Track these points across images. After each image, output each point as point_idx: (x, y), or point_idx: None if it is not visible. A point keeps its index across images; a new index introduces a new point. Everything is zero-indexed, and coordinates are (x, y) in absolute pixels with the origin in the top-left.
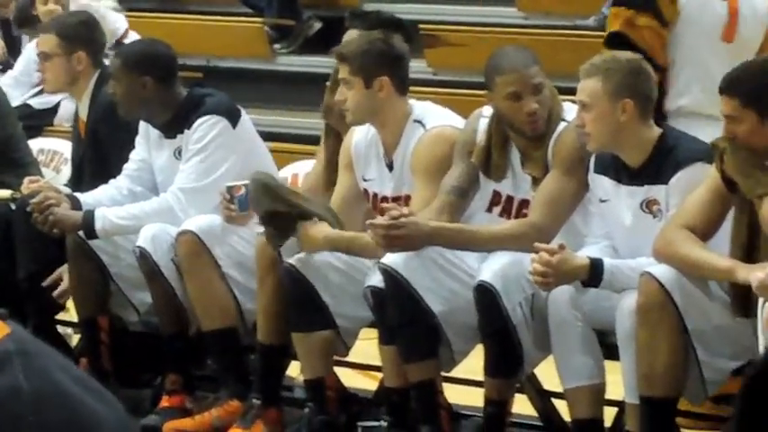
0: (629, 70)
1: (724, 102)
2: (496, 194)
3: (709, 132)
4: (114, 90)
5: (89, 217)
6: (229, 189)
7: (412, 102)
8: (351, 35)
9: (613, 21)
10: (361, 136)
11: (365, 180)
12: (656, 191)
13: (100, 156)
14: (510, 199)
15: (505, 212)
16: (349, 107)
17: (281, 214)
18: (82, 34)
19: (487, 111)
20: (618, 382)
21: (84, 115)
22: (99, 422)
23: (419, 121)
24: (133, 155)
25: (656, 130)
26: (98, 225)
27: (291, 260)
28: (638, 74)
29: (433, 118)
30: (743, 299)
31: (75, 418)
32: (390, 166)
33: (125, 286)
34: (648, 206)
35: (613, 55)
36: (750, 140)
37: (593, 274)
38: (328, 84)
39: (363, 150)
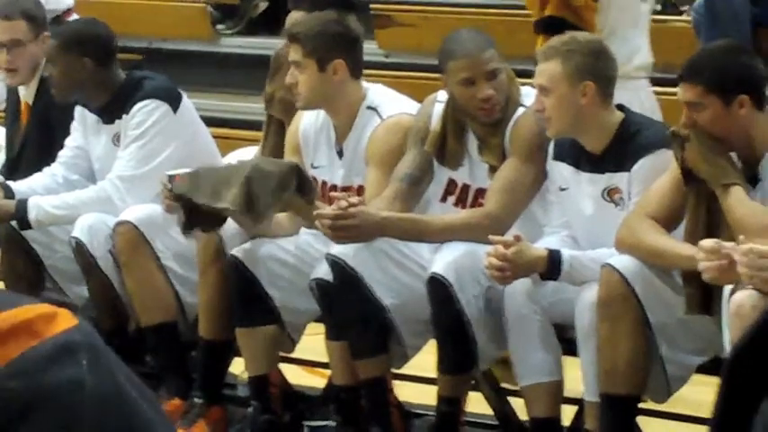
0: (589, 51)
1: (685, 88)
2: (452, 183)
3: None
4: (50, 72)
5: (22, 206)
6: (171, 178)
7: (366, 86)
8: (294, 17)
9: (542, 5)
10: (310, 121)
11: (314, 167)
12: (617, 178)
13: (46, 141)
14: (466, 188)
15: (461, 202)
16: (301, 91)
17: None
18: (42, 15)
19: (442, 96)
20: (577, 379)
21: (29, 99)
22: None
23: (373, 108)
24: (69, 141)
25: (618, 115)
26: (32, 215)
27: (236, 251)
28: (598, 55)
29: (388, 106)
30: (702, 296)
31: (132, 424)
32: (341, 154)
33: (61, 279)
34: (610, 194)
35: (572, 36)
36: (712, 128)
37: (552, 267)
38: (270, 71)
39: (312, 136)
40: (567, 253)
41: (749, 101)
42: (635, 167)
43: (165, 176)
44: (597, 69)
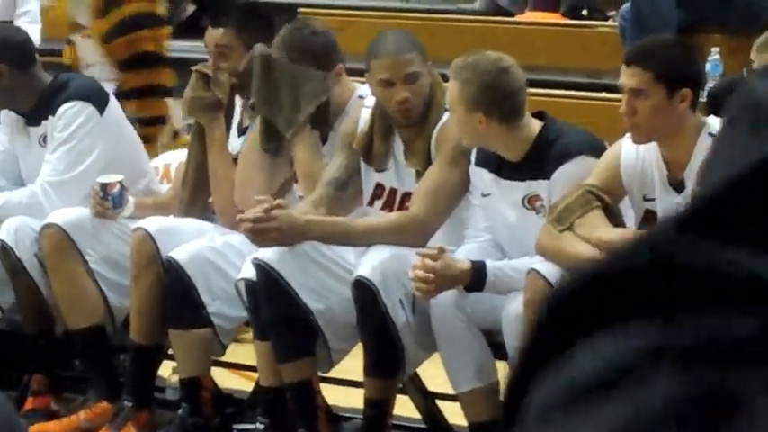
0: (481, 84)
1: (632, 73)
2: (379, 187)
3: None
4: None
5: None
6: (103, 186)
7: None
8: (214, 34)
9: None
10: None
11: None
12: (537, 186)
13: None
14: (393, 192)
15: (388, 206)
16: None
17: None
18: None
19: (370, 101)
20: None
21: None
22: None
23: (363, 97)
24: None
25: (536, 124)
26: None
27: (174, 254)
28: (490, 87)
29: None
30: None
31: None
32: (325, 140)
33: None
34: (530, 202)
35: (475, 61)
36: (652, 118)
37: (476, 279)
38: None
39: None
40: (490, 264)
41: (690, 96)
42: (555, 174)
43: (97, 184)
44: (488, 101)
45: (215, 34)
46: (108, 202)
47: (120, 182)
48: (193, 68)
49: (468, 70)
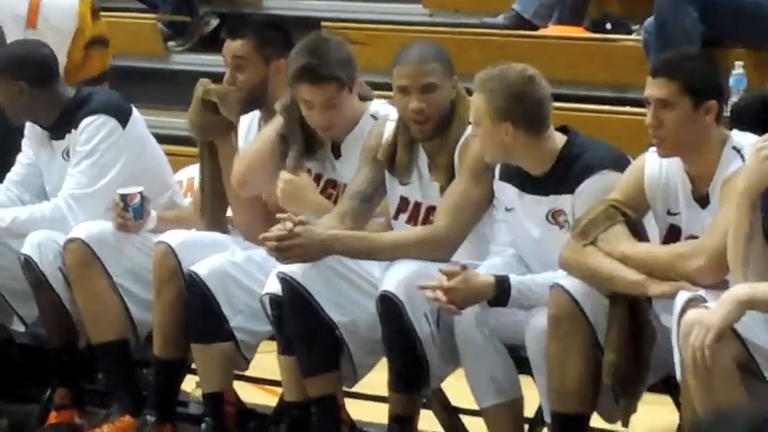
0: (509, 94)
1: (659, 84)
2: (404, 200)
3: None
4: None
5: None
6: (123, 197)
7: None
8: (233, 44)
9: None
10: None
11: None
12: (561, 201)
13: (3, 163)
14: (417, 205)
15: (412, 219)
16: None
17: None
18: None
19: (395, 114)
20: (529, 397)
21: None
22: None
23: (375, 117)
24: (20, 158)
25: (560, 139)
26: None
27: (195, 268)
28: (518, 97)
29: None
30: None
31: None
32: (338, 153)
33: (11, 297)
34: (554, 217)
35: (502, 72)
36: (678, 130)
37: (500, 293)
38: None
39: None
40: (514, 279)
41: (716, 109)
42: (578, 189)
43: (117, 195)
44: (516, 111)
45: (233, 46)
46: (129, 213)
47: (140, 193)
48: (196, 93)
49: (494, 81)
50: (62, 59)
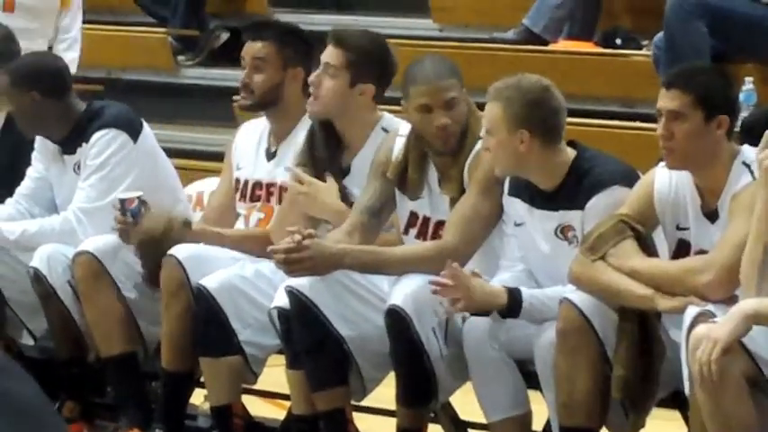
0: (527, 101)
1: (672, 96)
2: (413, 215)
3: None
4: (8, 108)
5: None
6: (122, 202)
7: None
8: (253, 45)
9: None
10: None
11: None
12: (570, 216)
13: (10, 178)
14: (427, 220)
15: (422, 234)
16: (322, 97)
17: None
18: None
19: (404, 129)
20: (537, 411)
21: None
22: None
23: (388, 131)
24: (30, 172)
25: (569, 153)
26: None
27: (204, 282)
28: (536, 104)
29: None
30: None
31: None
32: (347, 170)
33: (20, 310)
34: (563, 232)
35: (518, 81)
36: (688, 142)
37: (513, 304)
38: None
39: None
40: (526, 292)
41: (727, 123)
42: (588, 205)
43: (116, 200)
44: (533, 118)
45: (254, 46)
46: (127, 217)
47: (138, 197)
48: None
49: (510, 89)
50: (43, 43)
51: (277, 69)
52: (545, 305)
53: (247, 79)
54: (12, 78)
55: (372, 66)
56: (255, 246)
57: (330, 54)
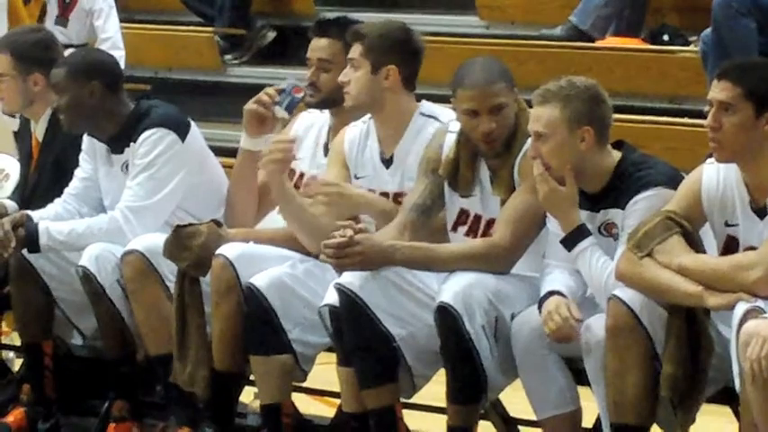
0: (587, 97)
1: (723, 87)
2: (463, 213)
3: None
4: (59, 103)
5: (33, 231)
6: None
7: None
8: (319, 43)
9: None
10: (354, 133)
11: (357, 178)
12: (612, 214)
13: (58, 177)
14: (477, 218)
15: (472, 232)
16: (351, 90)
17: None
18: (37, 55)
19: (454, 126)
20: (587, 408)
21: (39, 136)
22: None
23: (429, 116)
24: (78, 172)
25: (615, 155)
26: (42, 239)
27: (254, 280)
28: (596, 100)
29: (445, 113)
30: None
31: None
32: (389, 161)
33: (69, 310)
34: (607, 229)
35: (569, 80)
36: (736, 135)
37: (576, 234)
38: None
39: (356, 148)
40: (591, 245)
41: None
42: (629, 203)
43: (271, 90)
44: (594, 114)
45: (320, 45)
46: (283, 104)
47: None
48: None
49: (567, 88)
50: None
51: (342, 69)
52: (592, 267)
53: (314, 78)
54: (70, 70)
55: (390, 47)
56: (286, 245)
57: (351, 50)
